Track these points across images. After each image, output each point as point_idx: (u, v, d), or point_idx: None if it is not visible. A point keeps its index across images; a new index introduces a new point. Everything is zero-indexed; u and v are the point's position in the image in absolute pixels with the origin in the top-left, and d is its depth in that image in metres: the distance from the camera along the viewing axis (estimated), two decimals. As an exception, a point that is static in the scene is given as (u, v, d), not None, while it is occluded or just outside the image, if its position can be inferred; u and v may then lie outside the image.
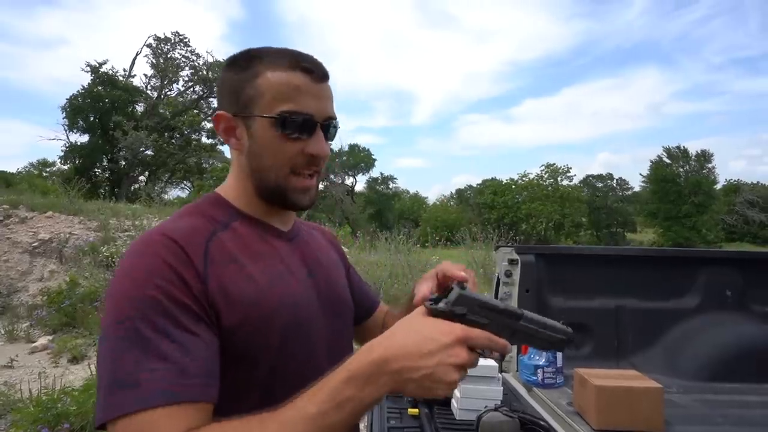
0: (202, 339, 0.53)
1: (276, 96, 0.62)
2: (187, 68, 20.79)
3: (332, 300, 0.72)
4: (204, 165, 22.99)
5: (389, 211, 38.00)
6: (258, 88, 0.62)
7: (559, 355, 1.50)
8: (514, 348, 1.67)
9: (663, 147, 36.26)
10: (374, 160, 40.00)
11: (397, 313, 0.79)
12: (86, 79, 19.62)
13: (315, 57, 0.66)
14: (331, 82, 0.68)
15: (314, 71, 0.64)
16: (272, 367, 0.60)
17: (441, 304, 0.52)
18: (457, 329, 0.49)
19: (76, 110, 18.94)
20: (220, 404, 0.53)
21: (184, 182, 23.89)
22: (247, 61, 0.64)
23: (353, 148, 36.44)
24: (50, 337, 4.83)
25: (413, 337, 0.49)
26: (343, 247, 0.97)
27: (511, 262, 1.72)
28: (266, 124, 0.62)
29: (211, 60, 20.59)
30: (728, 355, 1.59)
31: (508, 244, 1.84)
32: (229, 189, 0.69)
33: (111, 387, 0.48)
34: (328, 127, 0.66)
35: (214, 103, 21.83)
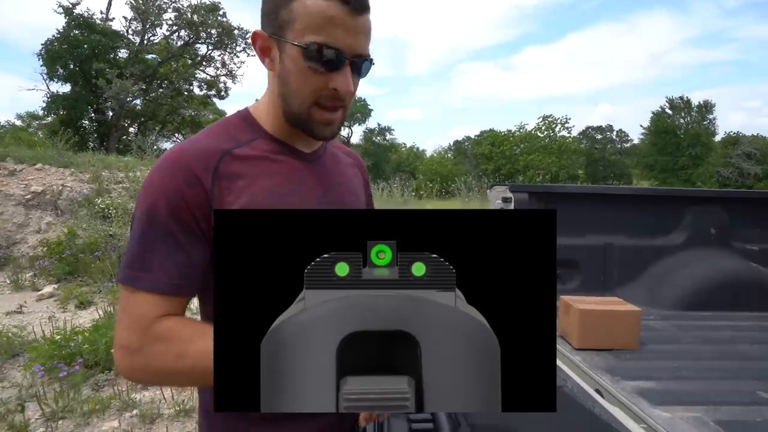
0: (186, 250, 0.62)
1: (308, 24, 0.60)
2: (170, 11, 19.39)
3: None
4: (198, 119, 22.17)
5: (386, 162, 37.64)
6: (292, 13, 0.61)
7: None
8: None
9: (666, 98, 35.42)
10: (370, 110, 38.95)
11: None
12: (60, 22, 18.32)
13: None
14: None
15: (351, 2, 0.60)
16: None
17: None
18: None
19: (54, 57, 17.77)
20: None
21: (177, 134, 23.20)
22: None
23: (348, 98, 35.20)
24: (55, 285, 4.95)
25: None
26: None
27: (505, 200, 1.75)
28: (296, 52, 0.61)
29: (195, 2, 19.17)
30: (705, 287, 1.68)
31: (503, 183, 1.86)
32: (260, 108, 0.71)
33: (125, 259, 0.62)
34: (359, 63, 0.64)
35: (202, 49, 20.81)
